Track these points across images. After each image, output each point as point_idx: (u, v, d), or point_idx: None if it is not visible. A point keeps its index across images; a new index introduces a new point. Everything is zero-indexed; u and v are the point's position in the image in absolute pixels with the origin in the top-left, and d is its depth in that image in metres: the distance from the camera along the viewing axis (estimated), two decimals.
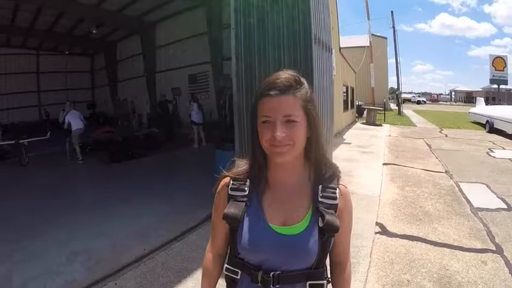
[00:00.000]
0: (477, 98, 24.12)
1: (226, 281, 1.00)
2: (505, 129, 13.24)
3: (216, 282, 1.07)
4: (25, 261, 3.30)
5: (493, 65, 30.51)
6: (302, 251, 0.89)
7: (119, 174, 7.38)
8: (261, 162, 0.93)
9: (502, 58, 31.48)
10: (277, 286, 0.89)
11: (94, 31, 13.82)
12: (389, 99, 33.08)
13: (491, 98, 32.87)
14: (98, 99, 20.31)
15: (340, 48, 13.73)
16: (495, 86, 32.06)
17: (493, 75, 30.59)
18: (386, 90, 33.03)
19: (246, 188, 0.93)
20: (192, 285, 2.83)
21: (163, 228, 4.02)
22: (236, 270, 0.95)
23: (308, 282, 0.91)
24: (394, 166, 7.34)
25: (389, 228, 4.05)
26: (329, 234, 0.88)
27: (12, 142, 8.53)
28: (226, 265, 0.98)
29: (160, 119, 12.51)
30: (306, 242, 0.89)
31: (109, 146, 9.16)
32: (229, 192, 0.94)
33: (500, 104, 21.38)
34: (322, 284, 0.93)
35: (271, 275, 0.89)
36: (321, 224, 0.87)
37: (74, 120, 8.50)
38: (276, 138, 0.82)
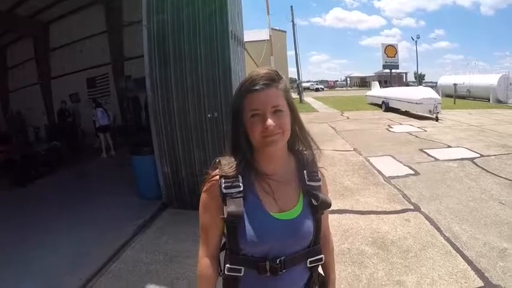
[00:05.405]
0: (372, 82, 27.20)
1: (227, 283, 1.00)
2: (399, 107, 15.24)
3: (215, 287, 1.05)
4: None
5: (385, 53, 35.32)
6: (302, 231, 0.97)
7: (27, 199, 6.13)
8: (248, 157, 0.97)
9: (393, 46, 36.94)
10: (283, 271, 0.95)
11: None
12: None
13: (384, 81, 37.56)
14: None
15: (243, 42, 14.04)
16: (387, 70, 37.12)
17: (385, 61, 35.51)
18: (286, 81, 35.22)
19: (240, 184, 0.95)
20: None
21: (94, 251, 3.53)
22: (239, 267, 0.96)
23: (308, 260, 1.00)
24: None
25: None
26: (321, 211, 1.00)
27: None
28: (227, 265, 0.97)
29: (60, 131, 11.18)
30: (304, 222, 0.97)
31: (6, 167, 7.86)
32: (224, 190, 0.95)
33: (393, 86, 24.47)
34: (321, 258, 1.03)
35: (278, 261, 0.94)
36: (315, 203, 0.97)
37: None
38: (268, 128, 0.88)
